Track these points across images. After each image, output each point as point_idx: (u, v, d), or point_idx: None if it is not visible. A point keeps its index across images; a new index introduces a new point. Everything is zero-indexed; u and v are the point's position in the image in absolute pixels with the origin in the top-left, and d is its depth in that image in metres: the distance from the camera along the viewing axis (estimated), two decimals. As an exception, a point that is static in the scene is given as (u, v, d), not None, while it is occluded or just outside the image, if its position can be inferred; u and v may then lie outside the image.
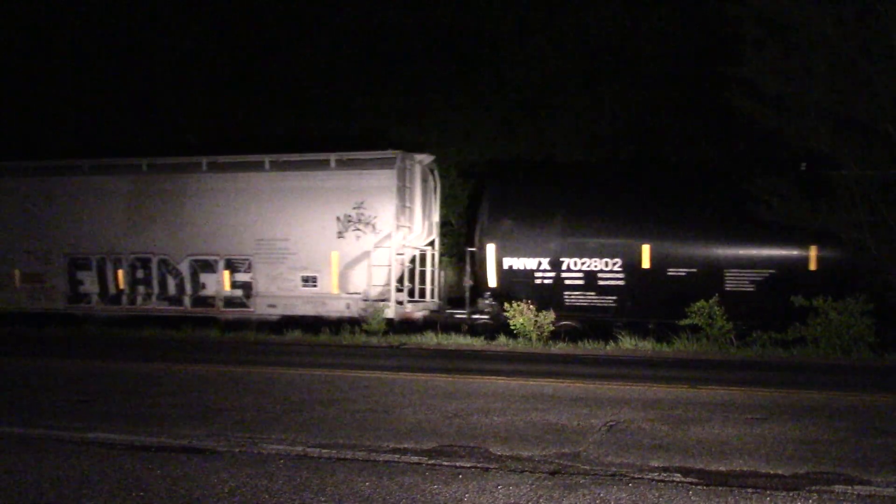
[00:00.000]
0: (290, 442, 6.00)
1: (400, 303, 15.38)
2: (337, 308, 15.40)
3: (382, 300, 15.07)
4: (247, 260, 15.76)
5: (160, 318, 16.43)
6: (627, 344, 13.41)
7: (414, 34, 21.84)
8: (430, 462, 5.42)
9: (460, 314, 15.71)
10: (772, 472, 5.19)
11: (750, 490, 4.76)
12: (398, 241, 15.20)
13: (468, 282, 15.73)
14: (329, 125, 21.31)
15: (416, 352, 13.39)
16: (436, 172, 16.64)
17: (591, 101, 21.06)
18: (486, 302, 15.14)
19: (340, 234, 15.28)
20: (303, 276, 15.47)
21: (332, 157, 15.53)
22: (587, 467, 5.29)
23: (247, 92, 22.79)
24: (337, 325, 15.51)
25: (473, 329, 15.20)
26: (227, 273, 15.89)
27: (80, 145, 21.13)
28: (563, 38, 21.18)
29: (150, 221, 16.38)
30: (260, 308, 15.79)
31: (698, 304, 13.35)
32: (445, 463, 5.39)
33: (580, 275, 14.58)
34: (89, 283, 16.67)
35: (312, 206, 15.48)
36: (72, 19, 23.63)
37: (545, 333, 13.93)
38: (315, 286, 15.40)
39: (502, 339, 14.20)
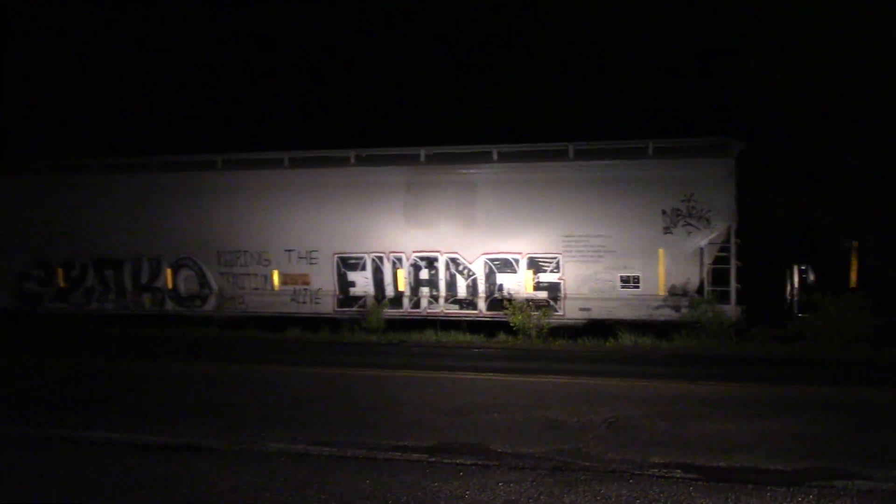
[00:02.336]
0: (290, 440, 6.01)
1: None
2: (663, 312, 13.87)
3: (718, 303, 13.63)
4: (554, 258, 14.27)
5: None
6: (627, 340, 13.42)
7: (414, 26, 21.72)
8: (430, 459, 5.42)
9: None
10: (772, 467, 5.20)
11: (751, 485, 4.77)
12: (733, 237, 13.71)
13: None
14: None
15: (416, 349, 13.39)
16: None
17: (589, 95, 21.00)
18: None
19: (667, 230, 13.77)
20: (622, 277, 13.98)
21: (651, 143, 14.04)
22: (588, 464, 5.30)
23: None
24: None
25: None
26: (529, 273, 14.43)
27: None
28: (562, 30, 21.11)
29: (433, 216, 14.89)
30: (570, 311, 14.28)
31: (697, 300, 13.38)
32: (446, 460, 5.40)
33: None
34: (363, 285, 15.25)
35: (632, 199, 13.97)
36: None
37: (545, 330, 13.92)
38: (637, 287, 13.93)
39: (502, 336, 14.19)
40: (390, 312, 15.05)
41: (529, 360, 11.83)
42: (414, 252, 14.98)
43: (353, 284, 15.24)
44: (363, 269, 15.20)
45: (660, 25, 20.15)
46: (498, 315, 14.44)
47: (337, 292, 15.31)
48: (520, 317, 13.97)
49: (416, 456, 5.51)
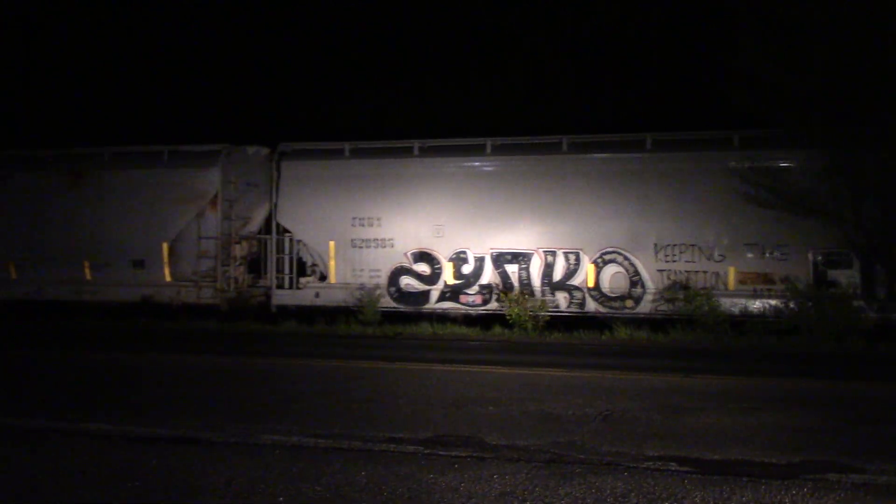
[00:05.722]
0: (285, 432, 5.99)
1: None
2: None
3: None
4: None
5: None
6: (623, 333, 13.44)
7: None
8: (426, 452, 5.42)
9: None
10: (766, 460, 5.21)
11: (745, 479, 4.78)
12: None
13: None
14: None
15: (412, 342, 13.39)
16: None
17: (587, 92, 20.98)
18: None
19: None
20: None
21: None
22: (583, 456, 5.30)
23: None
24: (333, 314, 14.95)
25: None
26: None
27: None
28: (561, 29, 21.07)
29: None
30: None
31: (694, 293, 13.40)
32: (441, 452, 5.40)
33: None
34: (847, 286, 13.00)
35: None
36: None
37: (540, 323, 13.92)
38: None
39: (498, 328, 14.19)
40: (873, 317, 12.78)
41: (525, 352, 11.85)
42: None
43: (834, 285, 13.09)
44: (848, 266, 13.19)
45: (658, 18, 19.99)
46: None
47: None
48: (516, 309, 13.95)
49: (411, 448, 5.51)
